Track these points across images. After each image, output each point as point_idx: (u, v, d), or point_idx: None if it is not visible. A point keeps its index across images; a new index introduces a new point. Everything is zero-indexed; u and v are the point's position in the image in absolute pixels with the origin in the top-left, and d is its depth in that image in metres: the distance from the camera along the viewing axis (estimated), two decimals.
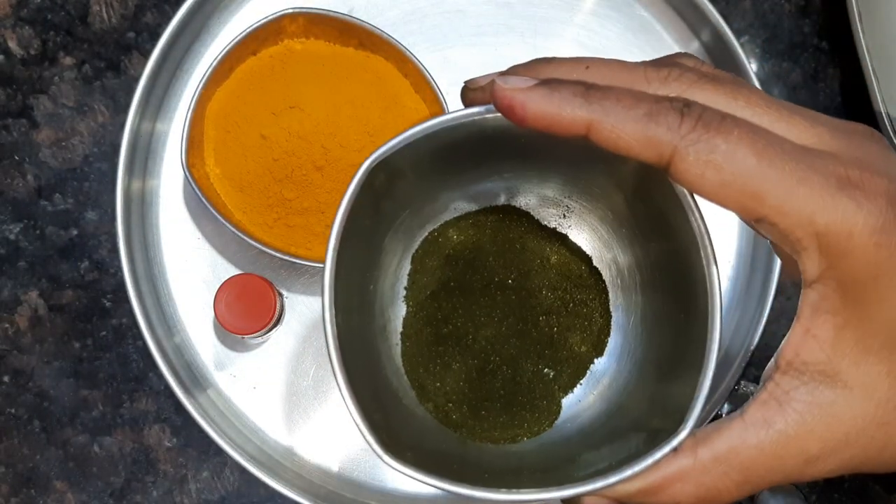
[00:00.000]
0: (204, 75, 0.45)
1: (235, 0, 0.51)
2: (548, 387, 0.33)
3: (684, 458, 0.25)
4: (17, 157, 0.51)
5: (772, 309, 0.47)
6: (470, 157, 0.29)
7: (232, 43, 0.45)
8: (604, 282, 0.34)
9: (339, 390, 0.26)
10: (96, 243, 0.51)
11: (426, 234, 0.34)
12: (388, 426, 0.27)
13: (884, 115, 0.49)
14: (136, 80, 0.47)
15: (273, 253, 0.45)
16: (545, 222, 0.34)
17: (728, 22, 0.49)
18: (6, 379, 0.50)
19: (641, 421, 0.29)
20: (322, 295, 0.26)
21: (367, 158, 0.27)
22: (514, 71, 0.27)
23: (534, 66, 0.27)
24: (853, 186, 0.23)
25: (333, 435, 0.49)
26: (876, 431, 0.25)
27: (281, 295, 0.48)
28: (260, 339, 0.49)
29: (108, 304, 0.50)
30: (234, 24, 0.50)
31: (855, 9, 0.50)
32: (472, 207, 0.34)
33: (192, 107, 0.45)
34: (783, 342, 0.25)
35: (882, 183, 0.23)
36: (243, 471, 0.47)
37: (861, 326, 0.24)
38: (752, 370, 0.50)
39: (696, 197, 0.26)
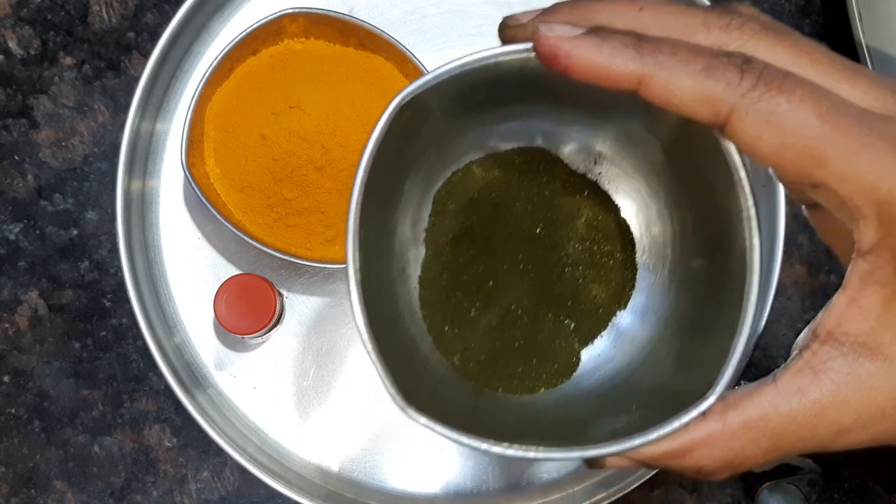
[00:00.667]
0: (204, 75, 0.45)
1: (235, 0, 0.51)
2: (567, 338, 0.32)
3: (713, 422, 0.25)
4: (17, 157, 0.51)
5: (772, 309, 0.47)
6: (502, 98, 0.28)
7: (232, 43, 0.45)
8: (632, 234, 0.32)
9: (360, 335, 0.25)
10: (96, 243, 0.51)
11: (449, 173, 0.32)
12: (406, 376, 0.26)
13: None
14: (136, 80, 0.47)
15: (273, 253, 0.45)
16: (575, 167, 0.32)
17: None
18: (6, 379, 0.50)
19: (664, 381, 0.28)
20: (347, 233, 0.25)
21: (396, 96, 0.26)
22: (558, 11, 0.25)
23: (580, 5, 0.25)
24: None
25: (333, 435, 0.49)
26: None
27: (281, 295, 0.48)
28: (260, 339, 0.49)
29: (108, 304, 0.50)
30: (234, 24, 0.50)
31: (855, 9, 0.50)
32: (502, 147, 0.32)
33: (192, 107, 0.45)
34: (823, 312, 0.24)
35: None
36: (243, 471, 0.47)
37: None
38: (751, 370, 0.50)
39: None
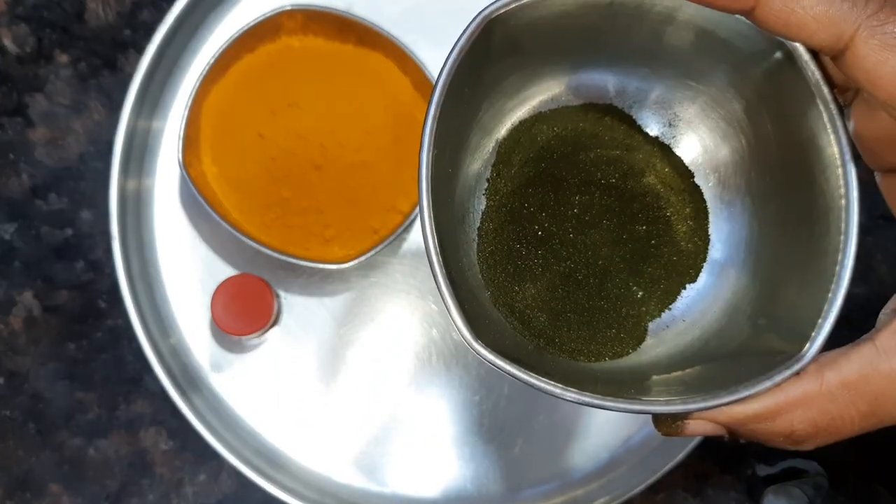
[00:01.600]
0: (201, 73, 0.45)
1: None
2: (635, 307, 0.30)
3: (809, 382, 0.23)
4: (11, 156, 0.51)
5: None
6: (586, 39, 0.27)
7: (229, 40, 0.45)
8: (705, 202, 0.30)
9: (432, 266, 0.24)
10: (92, 243, 0.50)
11: (518, 119, 0.30)
12: (471, 318, 0.25)
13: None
14: (132, 77, 0.47)
15: (270, 253, 0.44)
16: (648, 129, 0.31)
17: None
18: (0, 381, 0.50)
19: (747, 344, 0.27)
20: (420, 163, 0.24)
21: (484, 9, 0.25)
22: None
23: None
24: None
25: (331, 438, 0.49)
26: None
27: (278, 295, 0.47)
28: (257, 341, 0.48)
29: (103, 304, 0.50)
30: (230, 21, 0.50)
31: None
32: (573, 101, 0.30)
33: (188, 105, 0.44)
34: None
35: None
36: (240, 474, 0.47)
37: None
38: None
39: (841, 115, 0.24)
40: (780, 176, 0.28)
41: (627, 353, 0.29)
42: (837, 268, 0.24)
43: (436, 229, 0.24)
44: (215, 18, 0.50)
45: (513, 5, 0.25)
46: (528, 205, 0.29)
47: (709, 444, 0.51)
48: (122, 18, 0.51)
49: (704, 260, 0.30)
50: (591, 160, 0.30)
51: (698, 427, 0.25)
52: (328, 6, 0.46)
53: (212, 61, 0.45)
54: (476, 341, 0.24)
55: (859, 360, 0.23)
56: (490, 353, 0.24)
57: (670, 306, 0.30)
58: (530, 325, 0.29)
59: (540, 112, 0.30)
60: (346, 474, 0.49)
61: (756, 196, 0.29)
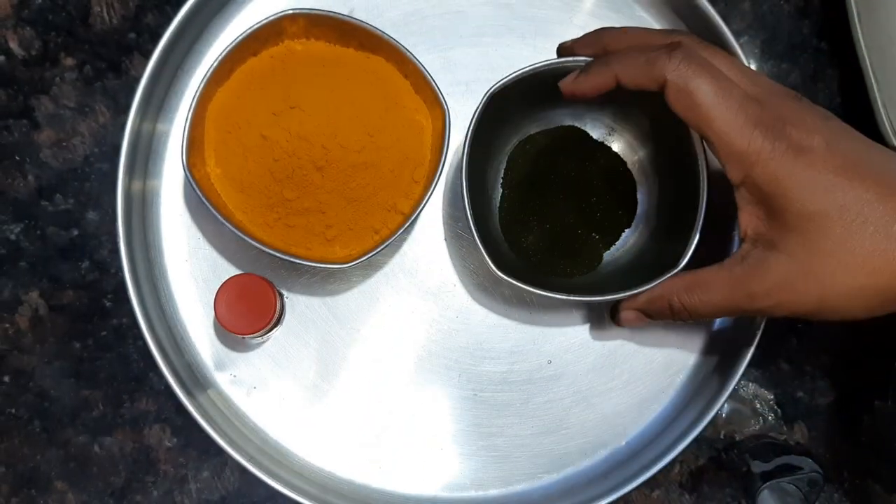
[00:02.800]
0: (205, 76, 0.45)
1: (236, 1, 0.51)
2: (595, 245, 0.50)
3: (679, 280, 0.42)
4: (18, 158, 0.51)
5: None
6: (550, 95, 0.43)
7: (233, 44, 0.45)
8: (633, 177, 0.50)
9: (472, 231, 0.44)
10: (97, 243, 0.51)
11: (517, 141, 0.50)
12: (493, 258, 0.44)
13: (883, 115, 0.49)
14: (137, 80, 0.47)
15: (273, 253, 0.45)
16: (596, 136, 0.50)
17: (727, 23, 0.49)
18: (7, 379, 0.50)
19: (654, 263, 0.45)
20: (461, 171, 0.44)
21: (490, 89, 0.44)
22: (583, 38, 0.45)
23: (595, 34, 0.44)
24: (764, 127, 0.37)
25: (334, 435, 0.49)
26: (799, 281, 0.37)
27: (281, 295, 0.48)
28: (260, 340, 0.49)
29: (108, 304, 0.51)
30: (235, 24, 0.51)
31: (854, 9, 0.50)
32: (549, 126, 0.51)
33: (192, 107, 0.45)
34: (739, 224, 0.39)
35: (783, 127, 0.37)
36: (244, 471, 0.47)
37: (777, 213, 0.37)
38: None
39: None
40: (669, 165, 0.48)
41: (591, 270, 0.50)
42: (695, 223, 0.44)
43: (472, 209, 0.44)
44: (219, 22, 0.50)
45: (509, 81, 0.44)
46: (527, 189, 0.50)
47: (704, 441, 0.52)
48: (127, 22, 0.52)
49: (634, 214, 0.50)
50: (563, 159, 0.50)
51: (627, 315, 0.45)
52: (330, 11, 0.46)
53: (215, 64, 0.45)
54: (498, 271, 0.44)
55: (710, 270, 0.41)
56: (505, 275, 0.44)
57: (615, 243, 0.50)
58: (530, 258, 0.49)
59: (531, 133, 0.50)
60: (348, 470, 0.49)
61: (658, 176, 0.50)
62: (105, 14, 0.52)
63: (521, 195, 0.50)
